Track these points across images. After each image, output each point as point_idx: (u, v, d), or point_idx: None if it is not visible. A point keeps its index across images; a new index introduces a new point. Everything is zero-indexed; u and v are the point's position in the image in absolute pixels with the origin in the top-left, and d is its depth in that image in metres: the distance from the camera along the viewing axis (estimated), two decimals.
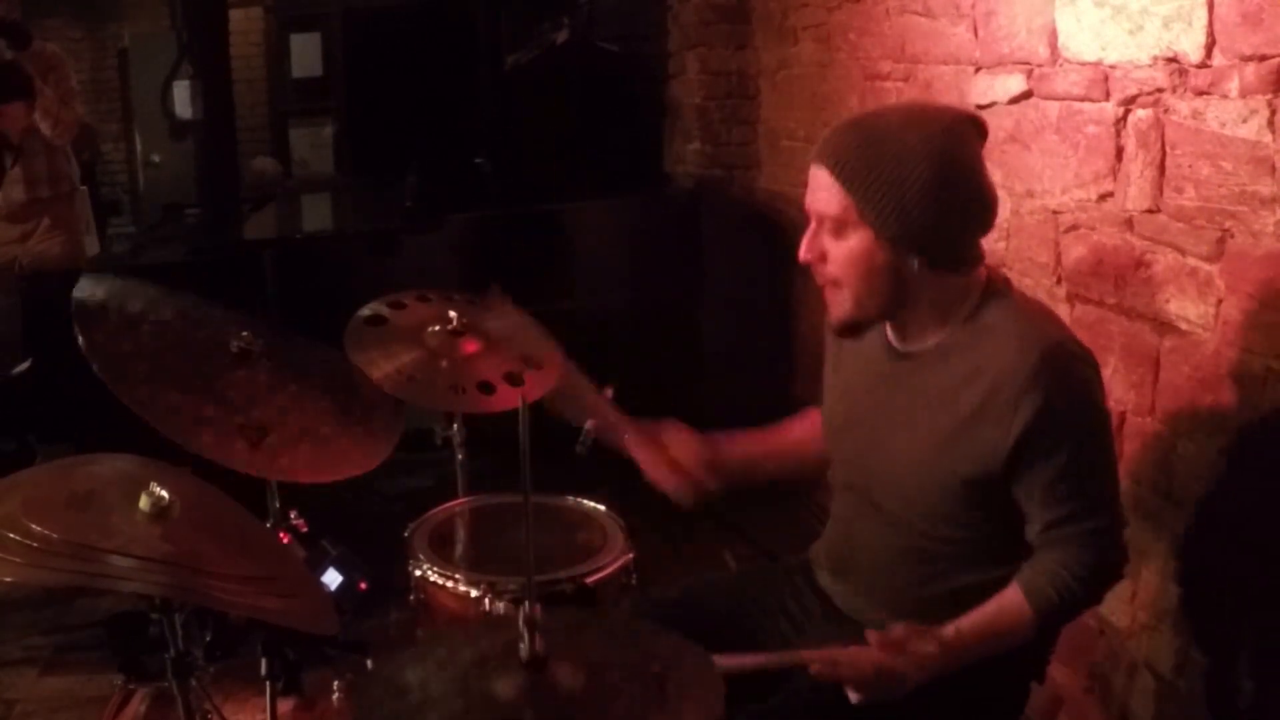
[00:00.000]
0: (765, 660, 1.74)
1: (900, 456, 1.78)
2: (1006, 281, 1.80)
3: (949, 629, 1.68)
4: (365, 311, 2.61)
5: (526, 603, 1.36)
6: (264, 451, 1.84)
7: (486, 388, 2.41)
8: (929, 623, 1.71)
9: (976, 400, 1.68)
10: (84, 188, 4.94)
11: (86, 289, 1.91)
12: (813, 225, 1.74)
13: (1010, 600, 1.70)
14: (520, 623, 1.36)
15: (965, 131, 1.71)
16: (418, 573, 2.27)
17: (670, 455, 2.06)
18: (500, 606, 2.09)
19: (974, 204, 1.70)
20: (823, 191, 1.71)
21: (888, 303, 1.74)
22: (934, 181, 1.64)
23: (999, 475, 1.68)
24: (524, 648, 1.36)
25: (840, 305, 1.76)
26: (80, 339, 1.78)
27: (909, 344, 1.80)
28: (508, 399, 2.38)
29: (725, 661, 1.61)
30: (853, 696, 1.64)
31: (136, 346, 1.85)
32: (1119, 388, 2.26)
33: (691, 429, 2.09)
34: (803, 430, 2.12)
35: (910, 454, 1.77)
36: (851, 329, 1.79)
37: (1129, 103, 2.15)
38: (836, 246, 1.71)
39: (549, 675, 1.36)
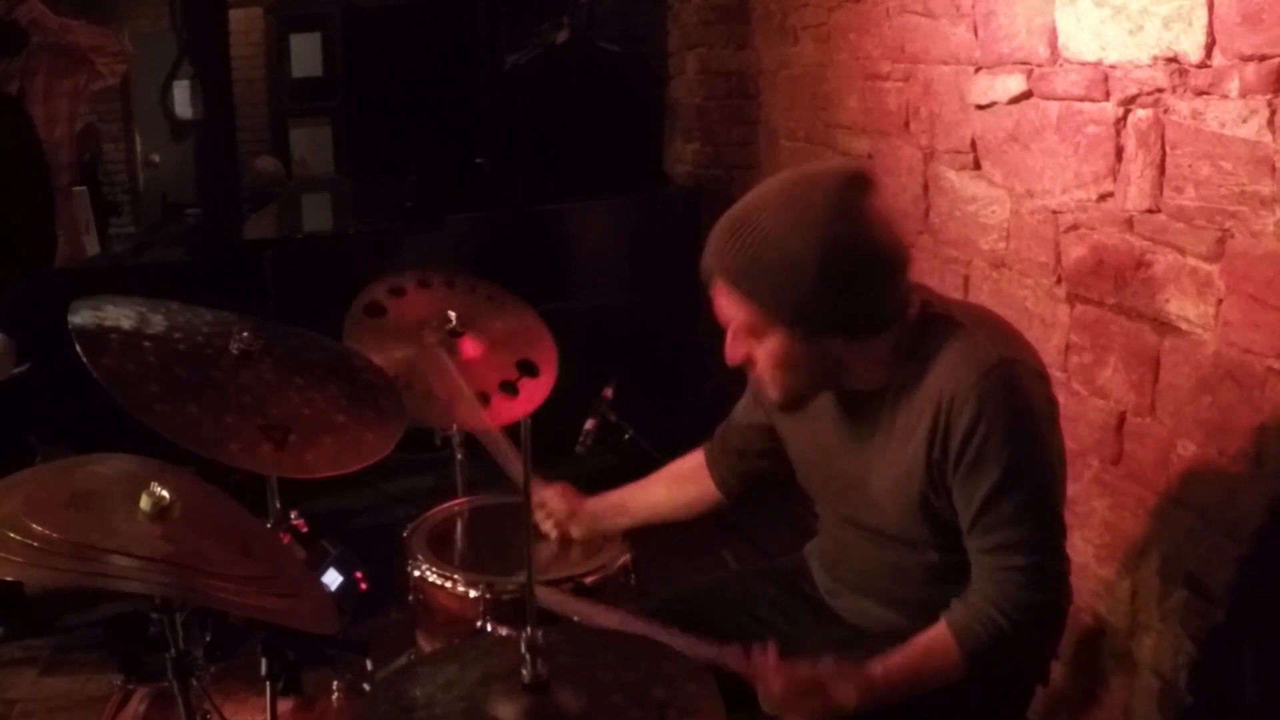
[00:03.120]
0: (697, 648, 1.71)
1: (873, 490, 1.78)
2: (944, 302, 1.78)
3: (876, 669, 1.65)
4: (365, 299, 2.61)
5: (528, 628, 1.37)
6: (289, 451, 1.84)
7: (483, 398, 2.41)
8: (927, 619, 1.70)
9: (927, 425, 1.67)
10: (83, 187, 4.95)
11: (82, 316, 1.89)
12: (730, 332, 1.73)
13: (938, 641, 1.67)
14: (523, 647, 1.36)
15: (846, 197, 1.63)
16: (416, 573, 2.27)
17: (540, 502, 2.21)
18: (504, 631, 2.10)
19: (878, 268, 1.64)
20: (726, 302, 1.70)
21: (822, 381, 1.75)
22: (827, 267, 1.60)
23: (946, 496, 1.68)
24: (526, 671, 1.36)
25: (775, 393, 1.75)
26: (92, 369, 1.78)
27: (859, 385, 1.77)
28: (506, 412, 2.39)
29: (664, 638, 1.64)
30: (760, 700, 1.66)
31: (143, 367, 1.84)
32: (1119, 388, 2.26)
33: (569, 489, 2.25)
34: (677, 485, 2.18)
35: (881, 486, 1.76)
36: (791, 408, 1.80)
37: (1129, 103, 2.15)
38: (757, 347, 1.70)
39: (551, 698, 1.36)
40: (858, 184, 1.65)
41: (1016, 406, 1.63)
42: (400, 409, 2.07)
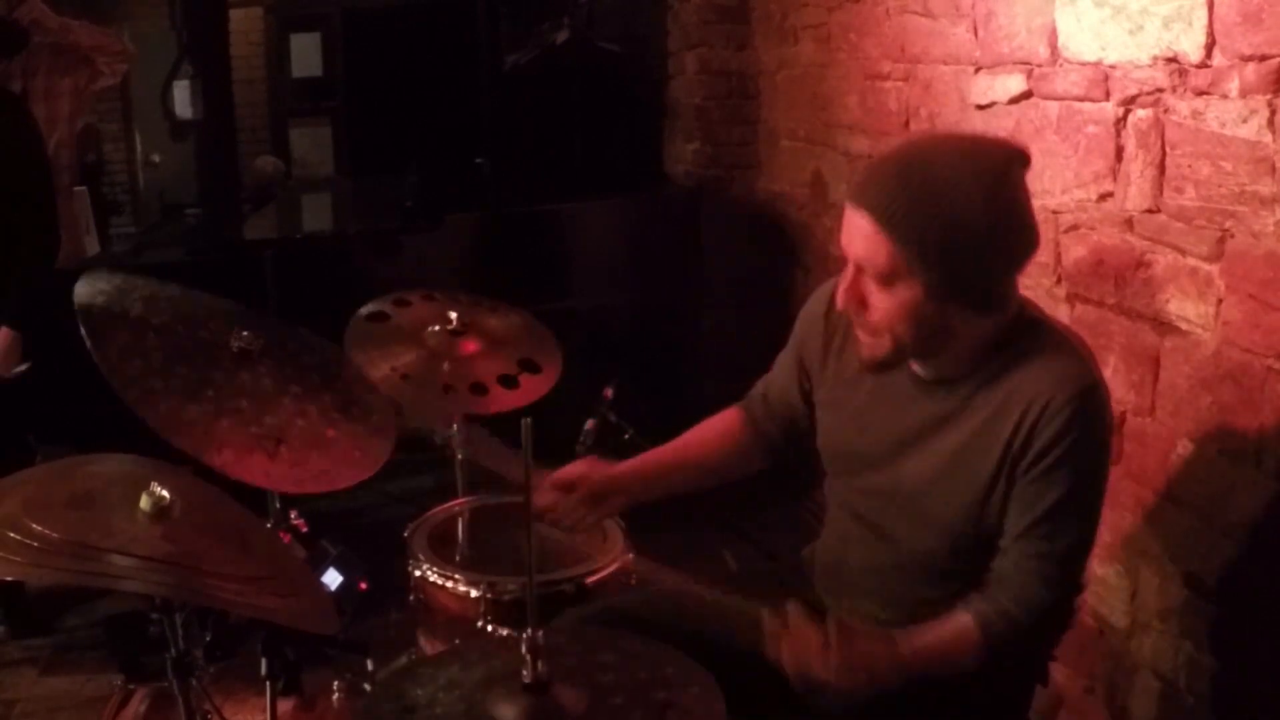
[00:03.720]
0: (699, 589, 1.71)
1: (922, 478, 1.74)
2: (1038, 309, 1.77)
3: (905, 650, 1.64)
4: (368, 309, 2.62)
5: (529, 628, 1.37)
6: (280, 462, 1.84)
7: (480, 389, 2.41)
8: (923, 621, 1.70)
9: (1012, 422, 1.64)
10: (83, 187, 4.94)
11: (85, 292, 1.90)
12: (851, 270, 1.66)
13: (963, 629, 1.66)
14: (523, 648, 1.36)
15: (1016, 169, 1.62)
16: (417, 573, 2.27)
17: (571, 483, 2.00)
18: (504, 632, 2.08)
19: (1024, 246, 1.64)
20: (867, 240, 1.61)
21: (928, 348, 1.69)
22: (991, 233, 1.57)
23: (999, 501, 1.67)
24: (526, 672, 1.36)
25: (878, 348, 1.69)
26: (98, 359, 1.77)
27: (932, 373, 1.74)
28: (504, 399, 2.38)
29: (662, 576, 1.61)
30: (789, 674, 1.62)
31: (147, 363, 1.84)
32: (1119, 388, 2.26)
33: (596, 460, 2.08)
34: (714, 442, 2.08)
35: (931, 474, 1.73)
36: (886, 367, 1.73)
37: (1129, 103, 2.15)
38: (881, 296, 1.63)
39: (552, 699, 1.36)
40: (1022, 161, 1.64)
41: (1101, 429, 1.65)
42: (390, 425, 2.07)
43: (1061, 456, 1.61)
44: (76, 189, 4.79)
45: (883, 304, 1.63)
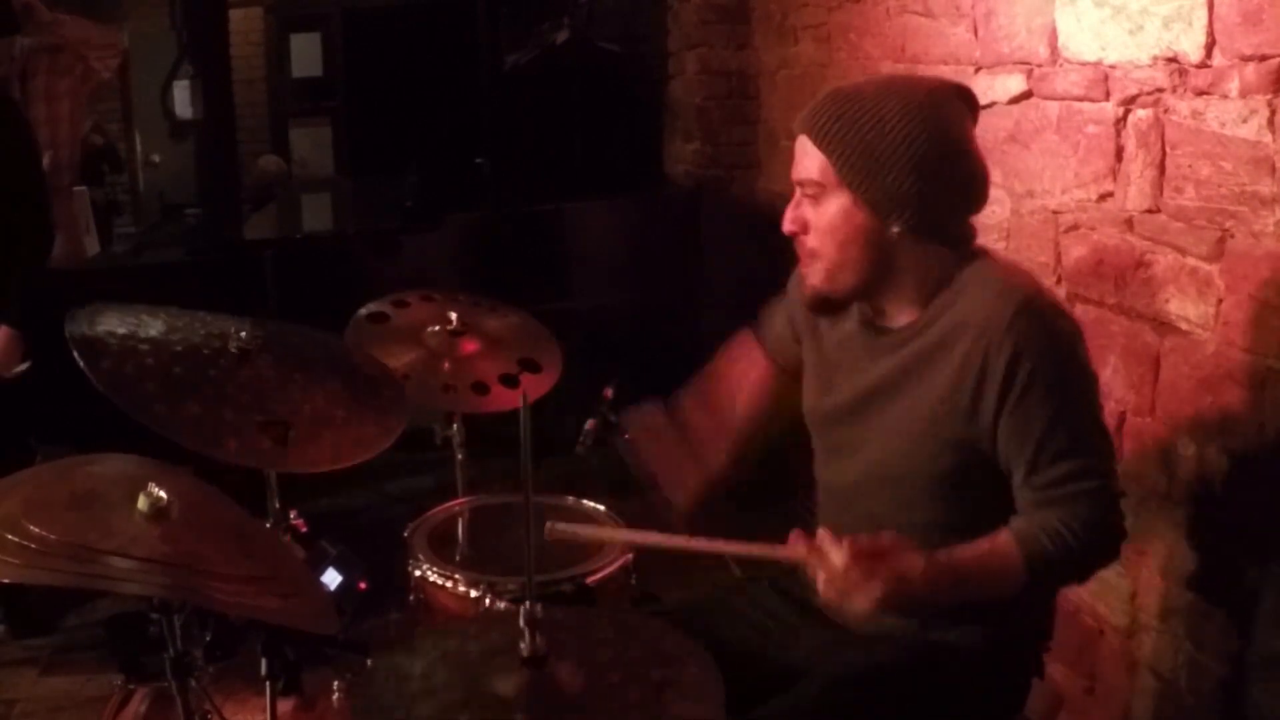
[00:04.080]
0: (751, 549, 1.66)
1: (888, 430, 1.73)
2: (985, 249, 1.77)
3: (940, 554, 1.58)
4: (367, 309, 2.62)
5: (527, 601, 1.37)
6: (289, 447, 1.84)
7: (482, 388, 2.42)
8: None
9: (957, 358, 1.64)
10: (83, 188, 4.94)
11: (79, 326, 1.89)
12: (796, 195, 1.73)
13: (1002, 543, 1.61)
14: (521, 620, 1.36)
15: (948, 99, 1.68)
16: (417, 573, 2.27)
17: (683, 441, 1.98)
18: (502, 605, 2.09)
19: (956, 171, 1.66)
20: (804, 158, 1.70)
21: (863, 275, 1.70)
22: (912, 142, 1.62)
23: (987, 436, 1.63)
24: (524, 645, 1.36)
25: (815, 274, 1.73)
26: (91, 375, 1.77)
27: (889, 321, 1.76)
28: (505, 399, 2.38)
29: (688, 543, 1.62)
30: (821, 591, 1.57)
31: (140, 368, 1.84)
32: (1119, 388, 2.26)
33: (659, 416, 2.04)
34: (742, 372, 2.06)
35: (898, 426, 1.72)
36: (823, 303, 1.75)
37: (1129, 103, 2.15)
38: (817, 214, 1.69)
39: (549, 674, 1.36)
40: (964, 97, 1.71)
41: (1053, 337, 1.62)
42: (402, 400, 2.06)
43: (1029, 376, 1.59)
44: (76, 189, 4.78)
45: (818, 220, 1.70)
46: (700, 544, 1.69)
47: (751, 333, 2.09)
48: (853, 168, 1.65)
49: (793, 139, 1.76)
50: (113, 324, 1.93)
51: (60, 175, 4.33)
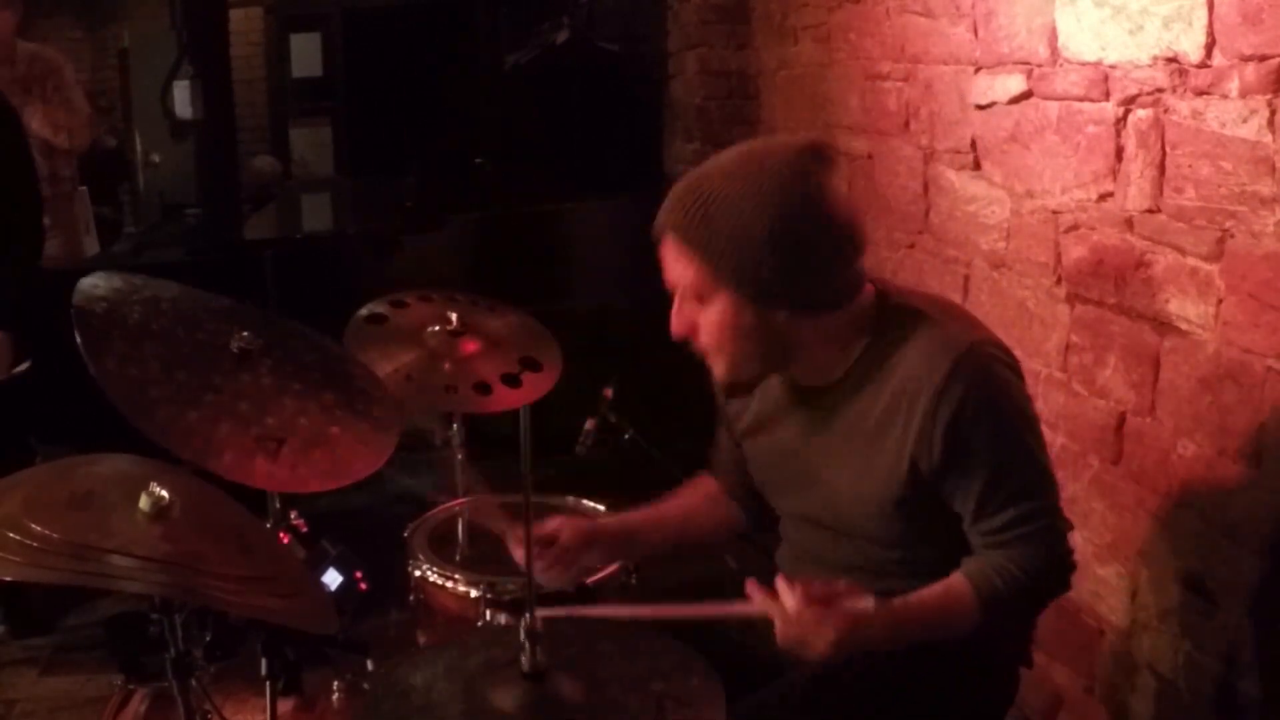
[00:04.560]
0: (718, 610, 1.69)
1: (836, 488, 1.75)
2: (901, 292, 1.75)
3: (894, 601, 1.62)
4: (366, 310, 2.62)
5: (527, 614, 1.37)
6: (282, 463, 1.83)
7: (484, 388, 2.41)
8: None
9: (897, 417, 1.65)
10: (84, 188, 4.94)
11: (85, 296, 1.89)
12: (676, 298, 1.70)
13: (956, 585, 1.65)
14: (521, 634, 1.36)
15: (800, 166, 1.62)
16: (417, 573, 2.27)
17: (549, 537, 1.98)
18: (503, 618, 2.08)
19: (824, 240, 1.62)
20: (674, 262, 1.68)
21: (767, 359, 1.71)
22: (771, 228, 1.58)
23: (930, 488, 1.66)
24: (525, 659, 1.36)
25: (719, 365, 1.72)
26: (94, 372, 1.77)
27: (814, 380, 1.76)
28: (506, 399, 2.38)
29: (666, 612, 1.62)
30: (778, 636, 1.59)
31: (144, 371, 1.83)
32: (1119, 388, 2.26)
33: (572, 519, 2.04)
34: (695, 502, 2.09)
35: (843, 484, 1.74)
36: (736, 389, 1.78)
37: (1129, 103, 2.15)
38: (702, 314, 1.67)
39: (549, 687, 1.36)
40: (815, 157, 1.64)
41: (996, 387, 1.63)
42: (396, 422, 2.06)
43: (970, 434, 1.60)
44: (78, 189, 4.79)
45: (704, 322, 1.67)
46: (669, 611, 1.72)
47: (710, 475, 2.11)
48: (722, 270, 1.62)
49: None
50: (122, 306, 1.93)
51: (59, 179, 4.33)
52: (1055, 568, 1.69)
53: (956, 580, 1.66)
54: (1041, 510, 1.66)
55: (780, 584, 1.60)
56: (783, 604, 1.58)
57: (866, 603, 1.57)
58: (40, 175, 4.21)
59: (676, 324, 1.71)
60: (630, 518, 2.08)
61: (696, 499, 2.09)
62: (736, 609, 1.65)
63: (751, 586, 1.63)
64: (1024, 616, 1.78)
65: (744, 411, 1.92)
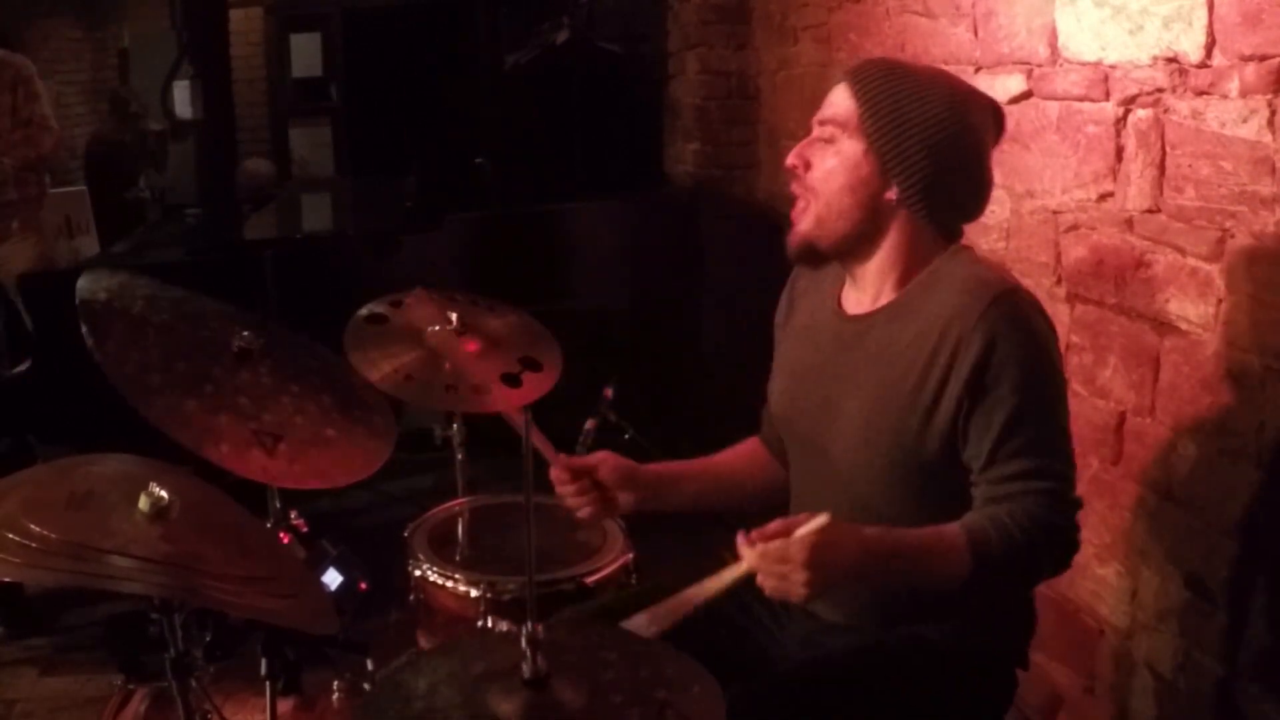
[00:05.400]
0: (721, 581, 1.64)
1: (852, 419, 1.72)
2: (967, 246, 1.77)
3: (879, 530, 1.58)
4: (366, 310, 2.62)
5: (529, 622, 1.37)
6: (279, 459, 1.83)
7: (484, 388, 2.41)
8: (884, 595, 1.69)
9: (928, 347, 1.64)
10: (83, 188, 4.95)
11: (87, 288, 1.90)
12: (811, 134, 1.76)
13: (948, 531, 1.59)
14: (523, 641, 1.36)
15: (984, 110, 1.73)
16: (417, 573, 2.27)
17: (588, 469, 1.93)
18: (505, 625, 2.08)
19: (967, 169, 1.70)
20: (834, 101, 1.75)
21: (852, 227, 1.71)
22: (940, 124, 1.66)
23: (949, 428, 1.62)
24: (526, 666, 1.36)
25: (806, 218, 1.74)
26: (95, 353, 1.77)
27: (859, 306, 1.77)
28: (507, 399, 2.38)
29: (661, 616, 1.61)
30: (763, 588, 1.55)
31: (145, 358, 1.84)
32: (1119, 388, 2.26)
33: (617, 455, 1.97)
34: (738, 459, 2.05)
35: (861, 415, 1.70)
36: (808, 252, 1.75)
37: (1129, 103, 2.15)
38: (825, 154, 1.72)
39: (551, 694, 1.36)
40: (997, 116, 1.76)
41: (1027, 333, 1.61)
42: (391, 429, 2.06)
43: (997, 375, 1.59)
44: (75, 189, 4.79)
45: (825, 160, 1.72)
46: (672, 603, 1.66)
47: (759, 438, 2.07)
48: (877, 120, 1.68)
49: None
50: (125, 299, 1.93)
51: (24, 183, 4.31)
52: (1056, 535, 1.62)
53: (950, 527, 1.60)
54: (1052, 471, 1.61)
55: (739, 537, 1.56)
56: (750, 555, 1.55)
57: (820, 519, 1.52)
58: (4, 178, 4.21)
59: (795, 153, 1.76)
60: (671, 465, 2.01)
61: (741, 458, 2.05)
62: (728, 574, 1.60)
63: (740, 540, 1.58)
64: (1017, 581, 1.69)
65: (783, 340, 1.94)
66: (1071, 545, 1.65)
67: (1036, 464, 1.60)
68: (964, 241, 1.77)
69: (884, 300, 1.74)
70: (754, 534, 1.55)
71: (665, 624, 1.65)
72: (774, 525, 1.55)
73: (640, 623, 1.67)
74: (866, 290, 1.77)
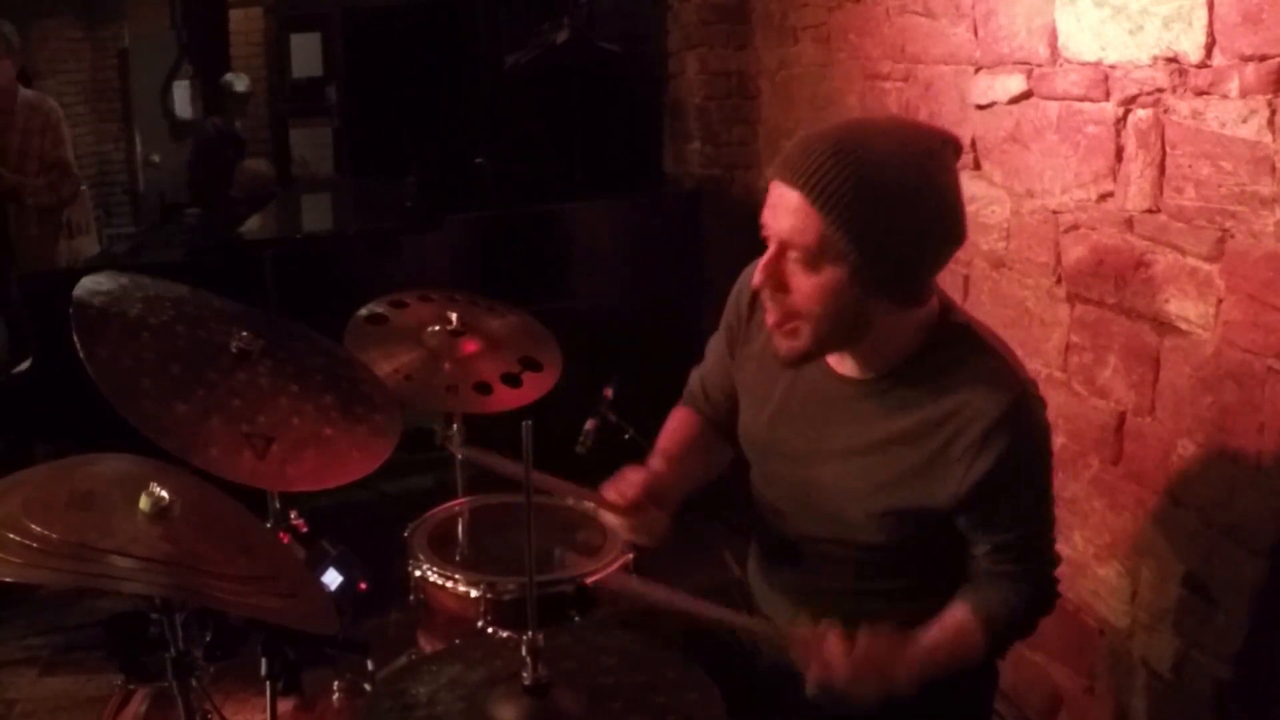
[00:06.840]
0: (725, 617, 1.67)
1: (834, 480, 1.70)
2: (959, 309, 1.73)
3: (914, 652, 1.60)
4: (366, 310, 2.62)
5: (529, 632, 1.37)
6: (270, 461, 1.83)
7: (484, 388, 2.41)
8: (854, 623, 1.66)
9: (941, 437, 1.60)
10: (83, 188, 4.96)
11: (86, 291, 1.90)
12: (774, 250, 1.58)
13: (966, 623, 1.66)
14: (524, 650, 1.36)
15: (948, 156, 1.58)
16: (417, 573, 2.27)
17: (635, 504, 1.82)
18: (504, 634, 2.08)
19: (953, 236, 1.59)
20: (795, 217, 1.54)
21: (845, 338, 1.63)
22: (924, 218, 1.53)
23: (943, 511, 1.63)
24: (526, 674, 1.36)
25: (797, 338, 1.61)
26: (84, 357, 1.77)
27: (846, 369, 1.70)
28: (507, 399, 2.38)
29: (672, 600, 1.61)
30: (809, 688, 1.56)
31: (138, 361, 1.84)
32: (1119, 388, 2.26)
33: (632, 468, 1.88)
34: (695, 447, 1.98)
35: (845, 480, 1.69)
36: (802, 361, 1.67)
37: (1129, 103, 2.15)
38: (803, 278, 1.56)
39: (552, 701, 1.36)
40: (954, 148, 1.60)
41: (1041, 438, 1.65)
42: (394, 426, 2.05)
43: (1011, 477, 1.60)
44: (81, 189, 4.80)
45: (805, 286, 1.56)
46: (712, 612, 1.66)
47: (687, 408, 2.03)
48: (861, 244, 1.50)
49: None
50: (124, 302, 1.93)
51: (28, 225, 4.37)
52: (1050, 598, 1.76)
53: (963, 616, 1.66)
54: (1046, 548, 1.73)
55: (832, 638, 1.56)
56: (832, 659, 1.55)
57: (904, 658, 1.57)
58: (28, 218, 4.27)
59: (764, 275, 1.58)
60: (661, 474, 1.88)
61: (699, 447, 1.99)
62: (779, 636, 1.64)
63: (794, 636, 1.60)
64: (1018, 640, 1.80)
65: (751, 354, 1.85)
66: (1057, 596, 1.78)
67: (1036, 547, 1.71)
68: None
69: (871, 371, 1.68)
70: (853, 646, 1.55)
71: (645, 595, 1.67)
72: (867, 642, 1.55)
73: (627, 576, 1.68)
74: (854, 358, 1.69)
